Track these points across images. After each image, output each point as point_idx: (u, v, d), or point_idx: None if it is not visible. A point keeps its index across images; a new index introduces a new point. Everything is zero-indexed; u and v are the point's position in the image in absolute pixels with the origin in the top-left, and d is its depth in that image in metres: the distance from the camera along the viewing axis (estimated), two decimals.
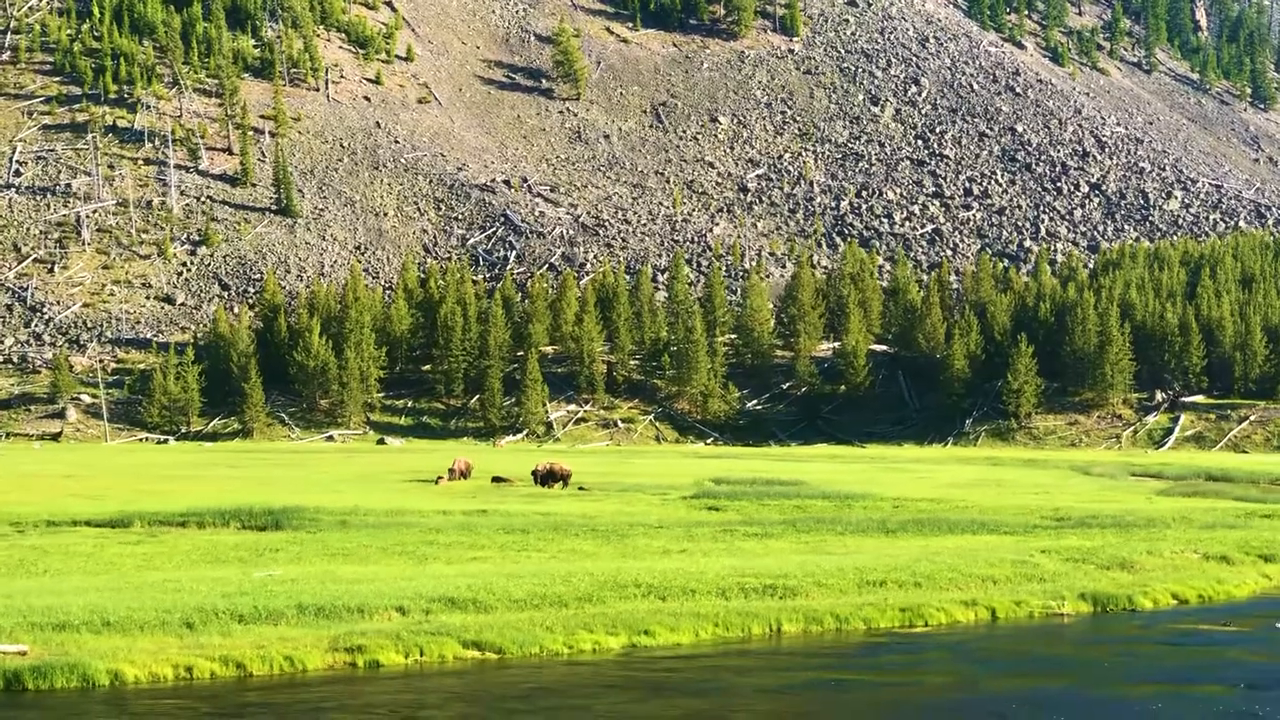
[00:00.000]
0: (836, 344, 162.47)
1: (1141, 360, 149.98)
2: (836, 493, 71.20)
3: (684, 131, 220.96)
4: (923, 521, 56.94)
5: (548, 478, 77.88)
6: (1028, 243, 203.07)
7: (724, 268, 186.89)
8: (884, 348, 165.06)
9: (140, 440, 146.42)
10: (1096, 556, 46.97)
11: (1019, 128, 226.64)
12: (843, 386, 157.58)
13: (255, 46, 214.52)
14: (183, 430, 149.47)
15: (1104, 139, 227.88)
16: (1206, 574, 45.80)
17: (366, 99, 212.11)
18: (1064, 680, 31.81)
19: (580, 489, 75.90)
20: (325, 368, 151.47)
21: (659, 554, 47.40)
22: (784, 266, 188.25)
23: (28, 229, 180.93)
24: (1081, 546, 49.11)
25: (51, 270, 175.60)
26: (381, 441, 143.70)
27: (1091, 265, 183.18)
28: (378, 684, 30.50)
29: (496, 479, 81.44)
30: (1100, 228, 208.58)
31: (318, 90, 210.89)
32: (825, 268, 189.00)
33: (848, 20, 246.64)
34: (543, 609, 36.12)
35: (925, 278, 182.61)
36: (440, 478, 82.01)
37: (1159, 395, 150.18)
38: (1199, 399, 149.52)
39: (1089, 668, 33.10)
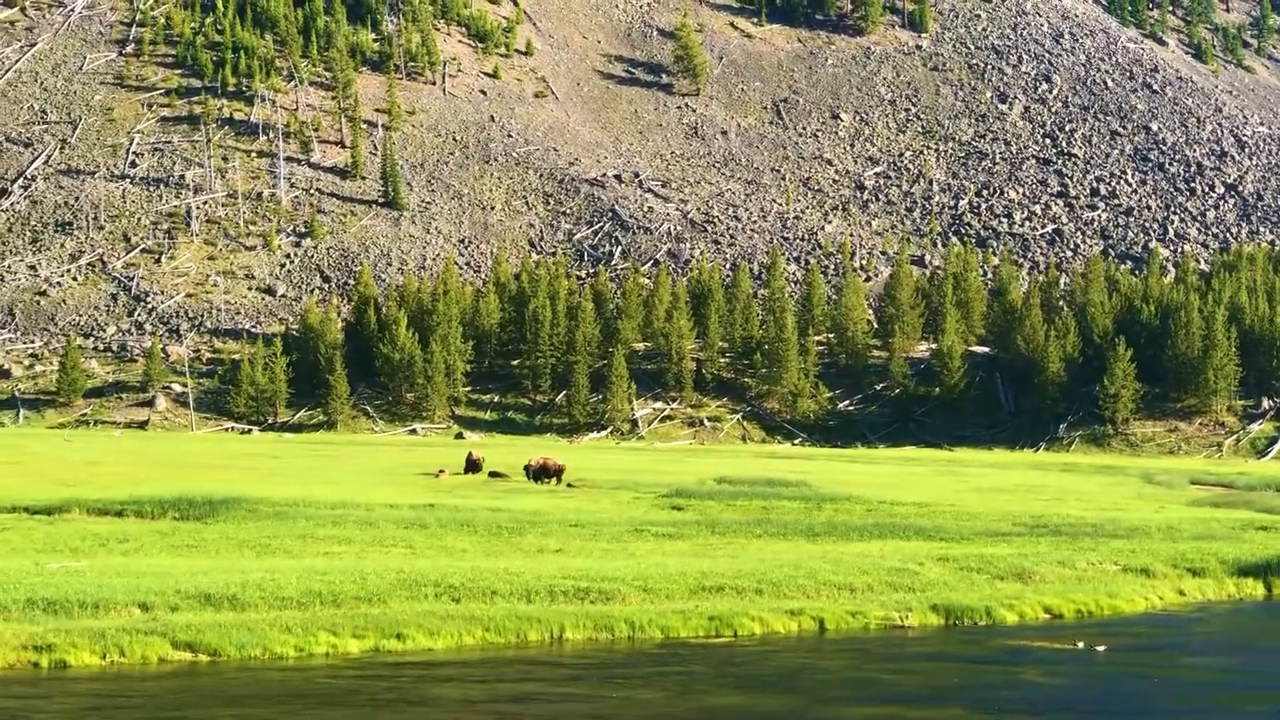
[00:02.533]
0: (935, 345, 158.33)
1: (1249, 366, 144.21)
2: (822, 495, 68.27)
3: (804, 128, 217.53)
4: (859, 527, 54.02)
5: (540, 473, 75.98)
6: (1154, 244, 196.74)
7: (833, 266, 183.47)
8: (985, 350, 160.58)
9: (226, 430, 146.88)
10: (995, 566, 43.91)
11: (1154, 126, 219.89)
12: (937, 389, 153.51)
13: (375, 40, 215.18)
14: (269, 421, 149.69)
15: (1244, 138, 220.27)
16: (1105, 588, 42.51)
17: (482, 93, 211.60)
18: (786, 699, 29.00)
19: (569, 485, 73.92)
20: (411, 361, 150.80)
21: (532, 553, 45.16)
22: (895, 266, 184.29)
23: (139, 219, 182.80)
24: (988, 555, 45.93)
25: (159, 260, 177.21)
26: (460, 436, 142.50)
27: (1208, 267, 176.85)
28: (44, 686, 28.60)
29: (493, 474, 79.83)
30: (1234, 230, 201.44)
31: (434, 84, 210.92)
32: (938, 268, 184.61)
33: (979, 16, 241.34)
34: (310, 608, 34.07)
35: (1044, 278, 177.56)
36: (441, 471, 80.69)
37: (1265, 403, 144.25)
38: None
39: (834, 685, 30.32)
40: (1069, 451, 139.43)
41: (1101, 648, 34.67)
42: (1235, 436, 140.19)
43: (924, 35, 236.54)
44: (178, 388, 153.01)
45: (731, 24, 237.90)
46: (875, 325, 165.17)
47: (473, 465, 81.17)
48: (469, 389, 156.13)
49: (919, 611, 37.79)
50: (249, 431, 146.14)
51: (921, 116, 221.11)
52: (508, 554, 44.40)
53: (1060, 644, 35.27)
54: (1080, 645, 34.97)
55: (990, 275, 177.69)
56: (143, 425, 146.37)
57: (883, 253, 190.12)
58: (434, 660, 31.46)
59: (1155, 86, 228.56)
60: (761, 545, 48.59)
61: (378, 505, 59.94)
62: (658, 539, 49.57)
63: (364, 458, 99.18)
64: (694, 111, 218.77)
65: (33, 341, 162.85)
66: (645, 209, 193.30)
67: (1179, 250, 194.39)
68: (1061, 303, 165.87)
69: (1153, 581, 44.23)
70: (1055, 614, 39.67)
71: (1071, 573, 44.13)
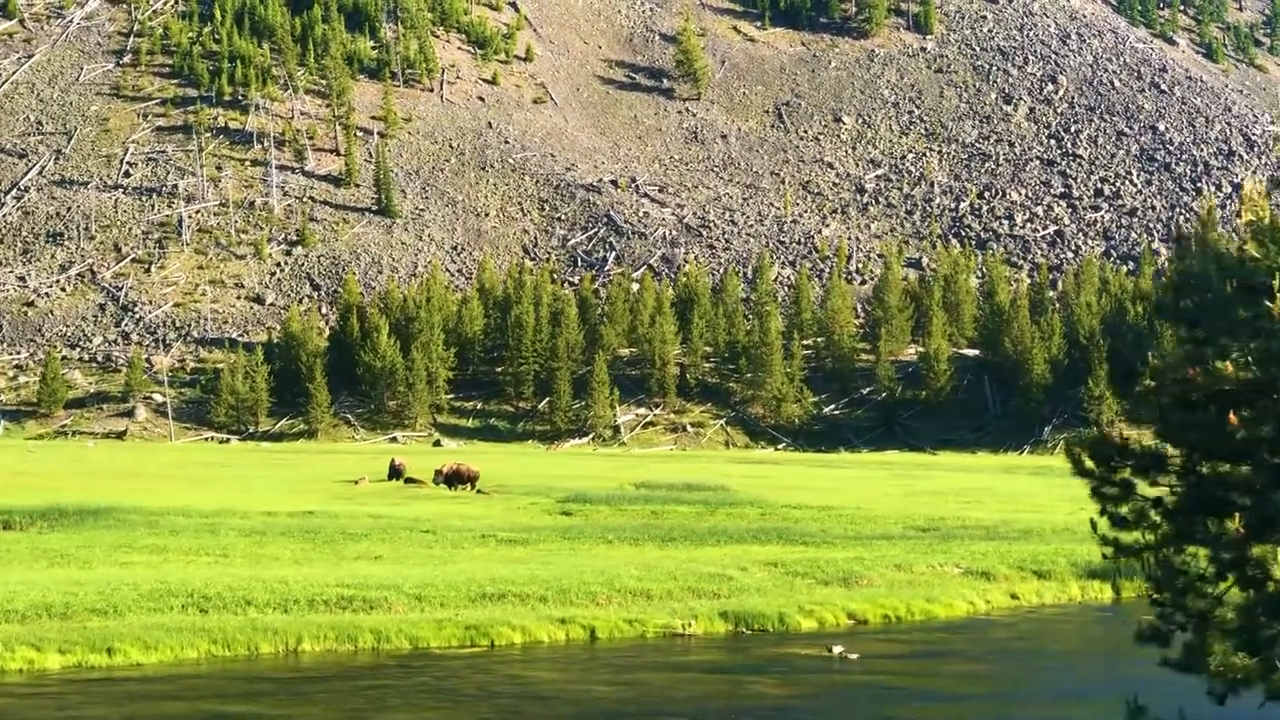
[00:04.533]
0: (922, 348, 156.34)
1: None
2: (725, 500, 66.78)
3: (805, 132, 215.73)
4: (734, 531, 52.60)
5: (452, 479, 74.65)
6: (1156, 244, 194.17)
7: (828, 269, 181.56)
8: (975, 353, 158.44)
9: (205, 440, 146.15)
10: (825, 570, 42.33)
11: (1161, 126, 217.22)
12: (923, 392, 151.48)
13: (373, 48, 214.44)
14: (250, 430, 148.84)
15: (1254, 138, 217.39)
16: (928, 592, 40.76)
17: (481, 99, 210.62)
18: (460, 714, 27.48)
19: (479, 492, 72.56)
20: (393, 368, 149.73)
21: (349, 560, 43.80)
22: (884, 269, 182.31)
23: (130, 229, 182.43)
24: (824, 559, 44.30)
25: (148, 270, 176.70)
26: (438, 444, 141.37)
27: None
28: None
29: (409, 480, 78.50)
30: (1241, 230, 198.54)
31: (432, 91, 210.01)
32: (933, 270, 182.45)
33: (985, 17, 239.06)
34: (35, 621, 32.65)
35: (1034, 279, 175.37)
36: (362, 479, 79.55)
37: None
38: None
39: (531, 698, 28.77)
40: (1052, 454, 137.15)
41: (854, 655, 33.01)
42: None
43: (929, 37, 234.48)
44: (158, 398, 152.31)
45: (734, 28, 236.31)
46: (866, 329, 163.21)
47: (394, 472, 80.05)
48: (452, 396, 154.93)
49: (706, 619, 36.21)
50: (227, 441, 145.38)
51: (925, 119, 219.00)
52: (318, 562, 43.01)
53: (816, 651, 33.62)
54: (835, 652, 33.33)
55: (985, 277, 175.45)
56: (121, 436, 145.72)
57: (880, 256, 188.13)
58: (134, 676, 30.01)
59: (1163, 86, 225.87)
60: (605, 550, 47.10)
61: (255, 513, 58.69)
62: (499, 545, 48.13)
63: (311, 465, 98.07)
64: (694, 116, 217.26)
65: (19, 352, 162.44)
66: (641, 214, 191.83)
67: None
68: (1055, 304, 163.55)
69: (987, 585, 42.54)
70: (859, 619, 38.00)
71: (905, 576, 42.46)
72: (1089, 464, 16.73)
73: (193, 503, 62.34)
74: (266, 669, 31.16)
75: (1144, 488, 16.76)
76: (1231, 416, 15.30)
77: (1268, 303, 15.30)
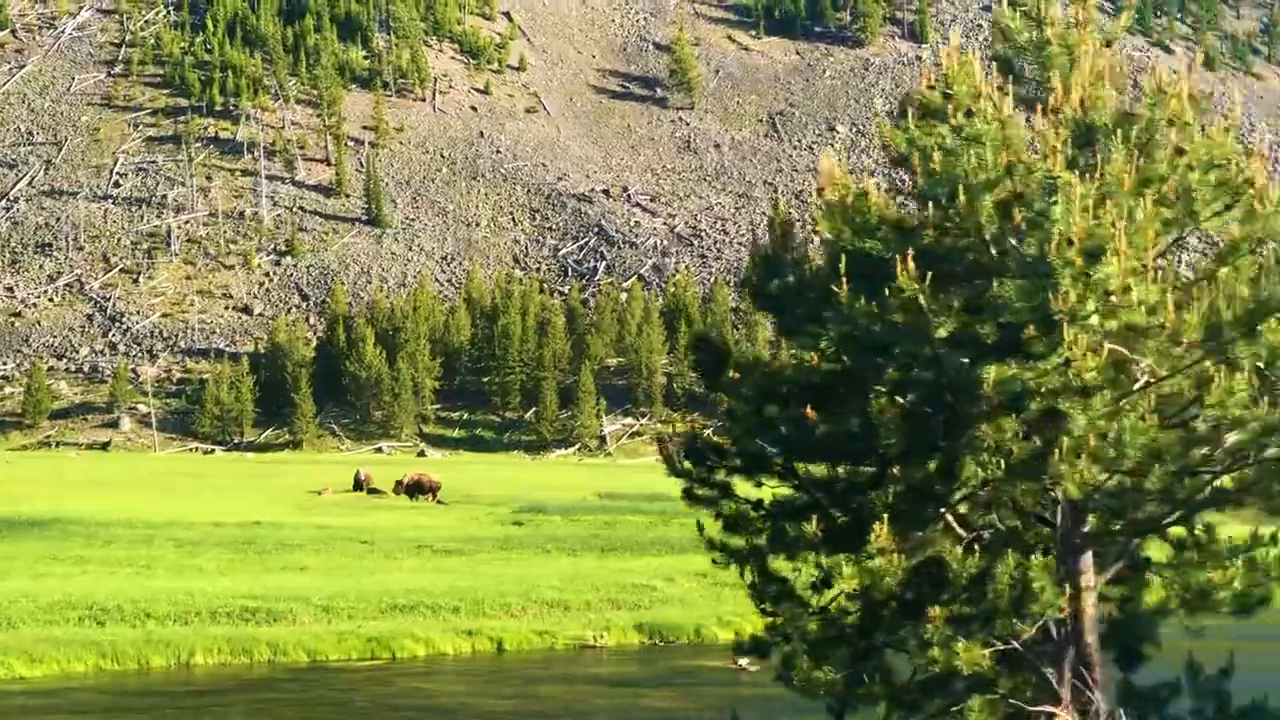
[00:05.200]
0: None
1: None
2: (684, 510, 65.83)
3: (799, 141, 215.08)
4: (663, 541, 51.87)
5: (414, 489, 74.14)
6: None
7: None
8: None
9: (190, 450, 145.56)
10: None
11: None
12: None
13: (365, 58, 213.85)
14: (235, 441, 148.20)
15: (1249, 146, 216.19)
16: None
17: (473, 109, 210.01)
18: None
19: (440, 502, 71.98)
20: (378, 379, 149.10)
21: (275, 571, 43.21)
22: None
23: (119, 240, 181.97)
24: None
25: (136, 281, 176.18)
26: (422, 454, 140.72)
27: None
28: None
29: (372, 490, 77.96)
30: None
31: (424, 100, 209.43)
32: None
33: (980, 26, 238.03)
34: None
35: None
36: (325, 489, 78.99)
37: None
38: None
39: (386, 711, 28.09)
40: None
41: (756, 668, 32.25)
42: None
43: (924, 46, 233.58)
44: (143, 409, 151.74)
45: (729, 37, 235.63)
46: None
47: (358, 483, 79.49)
48: (438, 407, 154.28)
49: (620, 631, 35.55)
50: (211, 452, 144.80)
51: None
52: (241, 573, 42.41)
53: (724, 663, 32.89)
54: (741, 664, 32.58)
55: None
56: (105, 447, 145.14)
57: None
58: (17, 690, 29.37)
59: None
60: (540, 561, 46.50)
61: (202, 524, 58.12)
62: (434, 556, 47.51)
63: (288, 476, 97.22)
64: (687, 125, 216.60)
65: (5, 363, 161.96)
66: (632, 224, 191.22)
67: (1179, 259, 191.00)
68: None
69: None
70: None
71: None
72: (685, 464, 15.97)
73: (145, 514, 61.76)
74: (157, 682, 30.54)
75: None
76: (808, 411, 14.53)
77: (834, 288, 14.56)
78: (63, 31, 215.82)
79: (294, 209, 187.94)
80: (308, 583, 39.36)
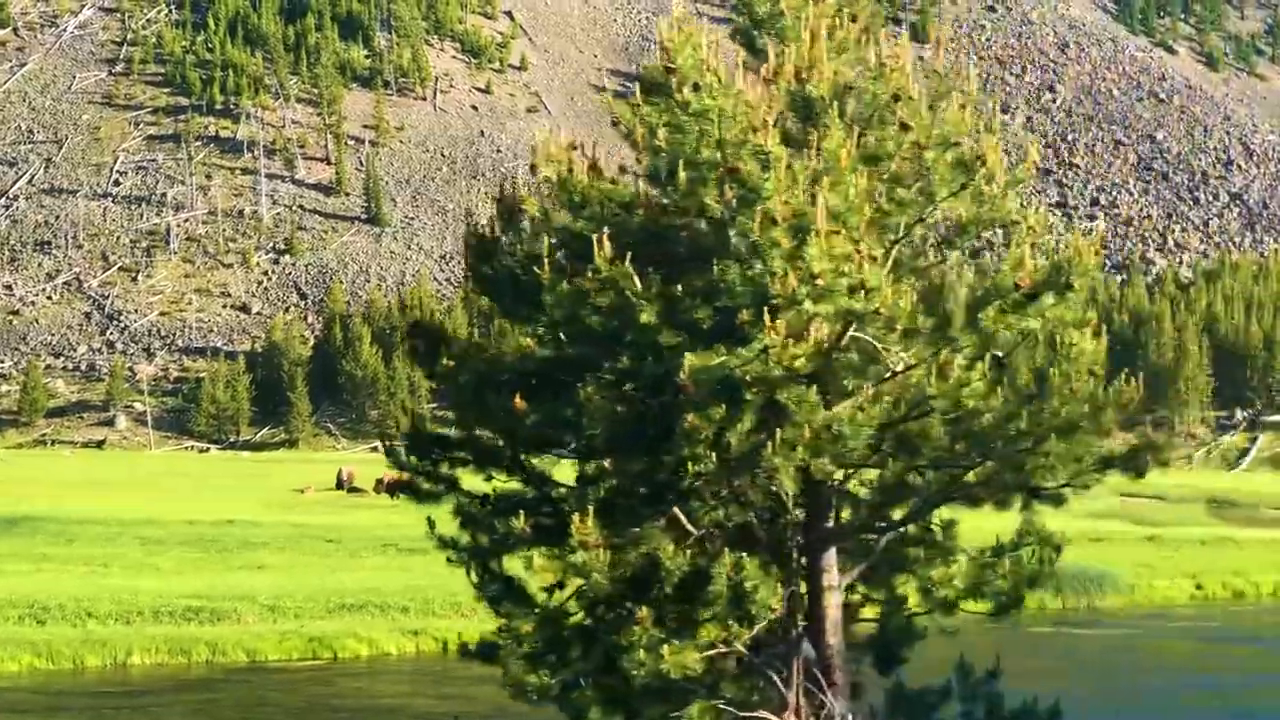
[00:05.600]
0: None
1: (1223, 377, 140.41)
2: None
3: None
4: None
5: (394, 488, 73.51)
6: (1151, 254, 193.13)
7: None
8: None
9: (186, 449, 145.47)
10: None
11: (1159, 135, 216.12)
12: None
13: (366, 56, 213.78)
14: (231, 440, 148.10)
15: (1253, 147, 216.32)
16: None
17: (474, 108, 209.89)
18: None
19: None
20: (375, 377, 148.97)
21: (234, 569, 43.01)
22: None
23: (118, 238, 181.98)
24: None
25: (135, 279, 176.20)
26: None
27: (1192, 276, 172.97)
28: None
29: (353, 489, 77.80)
30: (1236, 239, 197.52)
31: (424, 99, 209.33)
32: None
33: (983, 26, 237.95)
34: None
35: None
36: (307, 488, 78.87)
37: (1238, 414, 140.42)
38: None
39: (341, 712, 27.91)
40: None
41: None
42: (1207, 449, 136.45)
43: (926, 46, 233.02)
44: (139, 407, 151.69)
45: (732, 36, 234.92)
46: None
47: (340, 482, 79.36)
48: (434, 406, 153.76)
49: None
50: (207, 450, 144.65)
51: None
52: (199, 572, 42.29)
53: None
54: None
55: None
56: (100, 445, 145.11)
57: None
58: None
59: (1162, 95, 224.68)
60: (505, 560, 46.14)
61: (175, 522, 58.03)
62: (398, 554, 47.33)
63: (280, 475, 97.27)
64: None
65: (2, 361, 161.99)
66: None
67: (1179, 260, 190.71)
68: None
69: None
70: None
71: None
72: (411, 458, 15.62)
73: (121, 512, 61.61)
74: (92, 682, 30.35)
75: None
76: (517, 400, 14.21)
77: (536, 269, 14.23)
78: (64, 30, 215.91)
79: (293, 208, 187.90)
80: (261, 582, 39.19)
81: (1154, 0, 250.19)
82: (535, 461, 14.85)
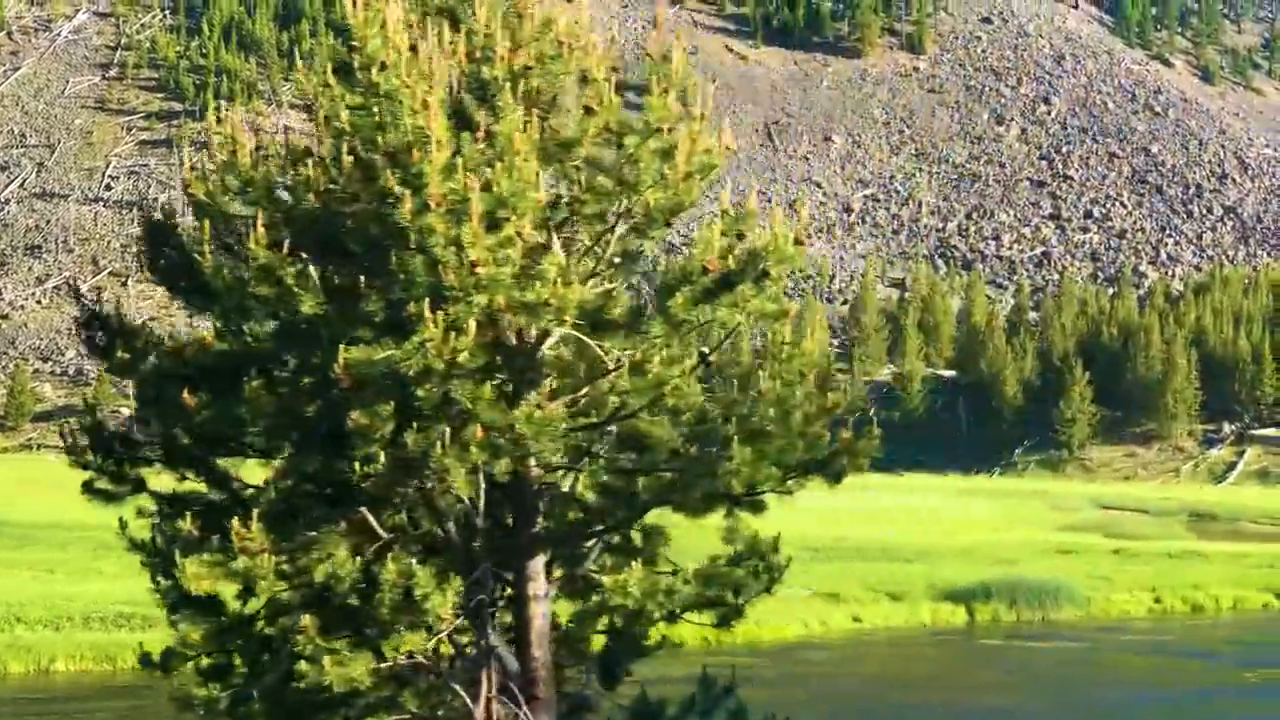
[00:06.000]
0: (898, 369, 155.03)
1: (1211, 391, 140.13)
2: None
3: (794, 151, 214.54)
4: None
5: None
6: (1144, 267, 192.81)
7: (811, 289, 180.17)
8: (953, 374, 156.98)
9: None
10: None
11: (1154, 148, 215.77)
12: (897, 413, 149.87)
13: None
14: None
15: (1248, 160, 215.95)
16: (757, 615, 39.38)
17: None
18: None
19: None
20: None
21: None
22: (860, 288, 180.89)
23: (109, 242, 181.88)
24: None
25: (125, 284, 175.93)
26: None
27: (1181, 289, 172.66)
28: None
29: None
30: (1230, 253, 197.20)
31: None
32: (913, 291, 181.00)
33: (979, 38, 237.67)
34: None
35: (1014, 301, 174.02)
36: None
37: (1225, 428, 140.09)
38: (1270, 431, 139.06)
39: None
40: (1021, 476, 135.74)
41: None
42: (1194, 462, 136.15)
43: (922, 57, 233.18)
44: (125, 412, 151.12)
45: (727, 46, 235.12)
46: (842, 349, 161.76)
47: None
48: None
49: None
50: None
51: (915, 139, 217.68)
52: (142, 578, 41.60)
53: None
54: None
55: (967, 298, 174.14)
56: None
57: (861, 276, 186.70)
58: None
59: (1157, 108, 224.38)
60: None
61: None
62: None
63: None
64: None
65: None
66: None
67: (1172, 273, 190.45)
68: (1035, 326, 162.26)
69: (831, 608, 41.15)
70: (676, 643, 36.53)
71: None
72: (92, 455, 15.04)
73: (85, 516, 61.07)
74: (14, 689, 29.94)
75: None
76: (186, 395, 13.75)
77: (196, 255, 13.80)
78: (58, 34, 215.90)
79: None
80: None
81: (1151, 13, 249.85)
82: (221, 461, 14.28)
